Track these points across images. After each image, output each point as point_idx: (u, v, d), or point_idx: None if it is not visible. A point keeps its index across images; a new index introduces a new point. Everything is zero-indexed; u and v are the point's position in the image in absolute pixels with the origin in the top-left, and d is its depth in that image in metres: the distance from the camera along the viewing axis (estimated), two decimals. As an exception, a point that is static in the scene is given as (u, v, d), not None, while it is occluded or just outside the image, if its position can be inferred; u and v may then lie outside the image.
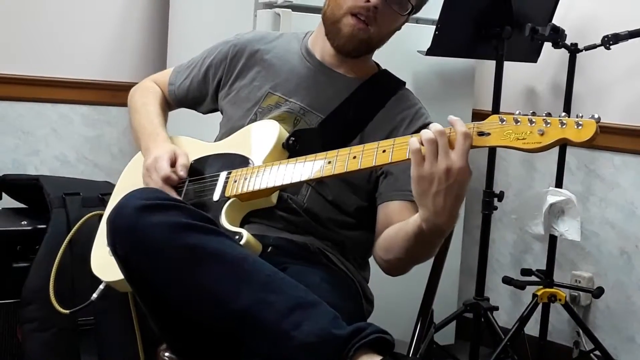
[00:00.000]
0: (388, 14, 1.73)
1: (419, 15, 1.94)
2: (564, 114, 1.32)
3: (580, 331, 2.89)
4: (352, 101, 1.79)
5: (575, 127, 1.30)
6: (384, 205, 1.73)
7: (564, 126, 1.30)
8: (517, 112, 1.36)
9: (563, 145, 2.84)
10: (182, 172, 1.73)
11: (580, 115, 1.31)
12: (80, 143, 3.17)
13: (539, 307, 2.86)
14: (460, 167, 1.37)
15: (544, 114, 1.33)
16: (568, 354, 3.01)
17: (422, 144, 1.39)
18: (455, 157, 1.37)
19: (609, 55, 2.74)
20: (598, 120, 1.29)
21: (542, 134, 1.32)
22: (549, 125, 1.31)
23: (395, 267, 1.65)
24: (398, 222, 1.65)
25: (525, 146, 1.33)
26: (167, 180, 1.71)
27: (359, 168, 1.51)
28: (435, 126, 1.40)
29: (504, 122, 1.36)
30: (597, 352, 2.79)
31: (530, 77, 3.12)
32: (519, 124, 1.34)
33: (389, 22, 1.76)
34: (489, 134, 1.37)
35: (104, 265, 1.71)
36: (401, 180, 1.70)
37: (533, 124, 1.33)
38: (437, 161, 1.37)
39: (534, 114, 1.34)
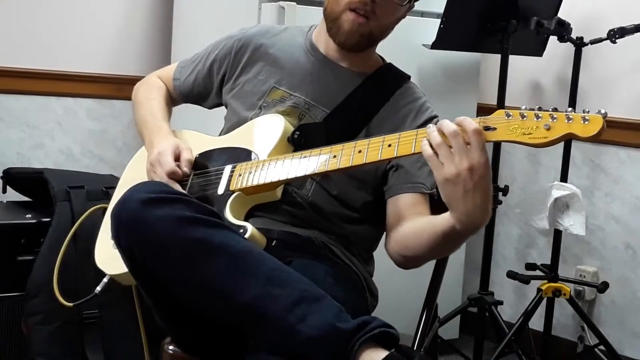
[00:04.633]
0: (387, 6, 1.72)
1: (424, 8, 1.94)
2: (570, 109, 1.31)
3: (585, 326, 2.89)
4: (357, 95, 1.78)
5: (582, 122, 1.29)
6: (395, 199, 1.71)
7: (571, 121, 1.30)
8: (524, 107, 1.35)
9: (568, 139, 2.84)
10: (185, 168, 1.72)
11: (587, 110, 1.30)
12: (85, 136, 3.16)
13: (544, 302, 2.86)
14: (481, 162, 1.35)
15: (551, 109, 1.33)
16: (572, 349, 3.01)
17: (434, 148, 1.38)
18: (475, 154, 1.35)
19: (614, 49, 2.73)
20: (605, 115, 1.29)
21: (548, 129, 1.31)
22: (555, 120, 1.31)
23: (414, 263, 1.65)
24: (410, 215, 1.65)
25: (532, 141, 1.33)
26: (172, 174, 1.70)
27: (365, 162, 1.51)
28: (447, 126, 1.37)
29: (510, 117, 1.35)
30: (601, 347, 2.79)
31: (536, 71, 3.12)
32: (525, 118, 1.33)
33: (389, 14, 1.74)
34: (495, 128, 1.36)
35: (108, 258, 1.71)
36: (412, 173, 1.70)
37: (539, 119, 1.32)
38: (456, 162, 1.36)
39: (540, 109, 1.33)
